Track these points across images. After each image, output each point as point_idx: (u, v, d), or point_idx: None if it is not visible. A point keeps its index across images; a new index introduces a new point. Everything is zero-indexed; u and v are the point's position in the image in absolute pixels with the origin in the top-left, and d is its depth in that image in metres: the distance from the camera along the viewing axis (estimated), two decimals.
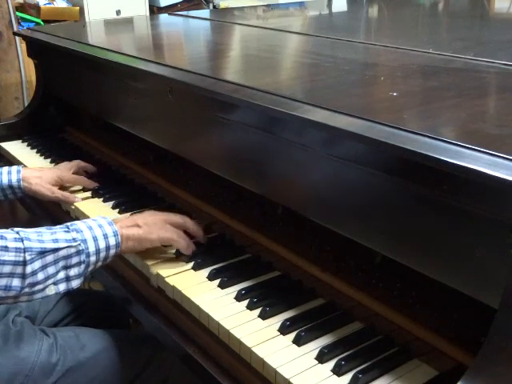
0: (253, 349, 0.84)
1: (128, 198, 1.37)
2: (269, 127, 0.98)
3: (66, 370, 1.14)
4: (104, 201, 1.36)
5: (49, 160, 1.63)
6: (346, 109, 0.86)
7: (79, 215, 1.31)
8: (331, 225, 0.92)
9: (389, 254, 0.84)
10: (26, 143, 1.77)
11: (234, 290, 0.99)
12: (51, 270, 0.93)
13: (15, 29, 2.44)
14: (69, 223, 1.00)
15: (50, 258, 0.92)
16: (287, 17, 2.38)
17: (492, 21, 2.18)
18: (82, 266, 0.97)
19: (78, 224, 1.00)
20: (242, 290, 0.98)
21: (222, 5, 3.25)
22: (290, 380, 0.79)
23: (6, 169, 1.34)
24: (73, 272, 0.96)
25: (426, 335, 0.87)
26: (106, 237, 1.00)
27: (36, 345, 1.14)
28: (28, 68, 2.48)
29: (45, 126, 1.86)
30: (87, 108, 1.73)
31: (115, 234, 1.02)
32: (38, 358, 1.12)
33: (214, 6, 3.26)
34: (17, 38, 2.43)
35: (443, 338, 0.85)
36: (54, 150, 1.69)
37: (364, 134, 0.79)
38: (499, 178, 0.65)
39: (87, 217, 1.26)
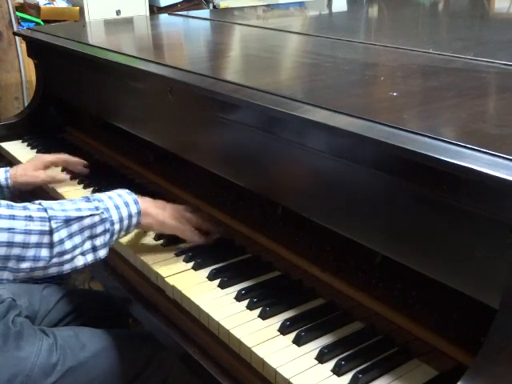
0: (253, 349, 0.84)
1: None
2: (269, 127, 0.98)
3: (66, 369, 1.14)
4: None
5: None
6: (346, 109, 0.86)
7: None
8: (331, 225, 0.92)
9: (389, 254, 0.84)
10: (26, 143, 1.77)
11: (233, 290, 0.99)
12: (77, 239, 0.93)
13: (15, 29, 2.44)
14: (88, 195, 1.01)
15: (75, 226, 0.93)
16: (287, 17, 2.39)
17: (492, 21, 2.18)
18: (107, 235, 0.98)
19: (98, 194, 1.02)
20: (242, 290, 0.98)
21: (222, 5, 3.25)
22: (290, 380, 0.79)
23: None
24: (99, 241, 0.97)
25: (426, 335, 0.87)
26: (127, 205, 1.02)
27: (36, 345, 1.14)
28: (28, 68, 2.48)
29: (45, 126, 1.86)
30: (87, 108, 1.73)
31: (136, 202, 1.03)
32: (38, 358, 1.12)
33: (214, 6, 3.26)
34: (17, 37, 2.43)
35: (443, 338, 0.85)
36: (54, 150, 1.68)
37: (364, 133, 0.79)
38: (499, 177, 0.65)
39: None
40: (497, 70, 1.15)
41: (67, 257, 0.92)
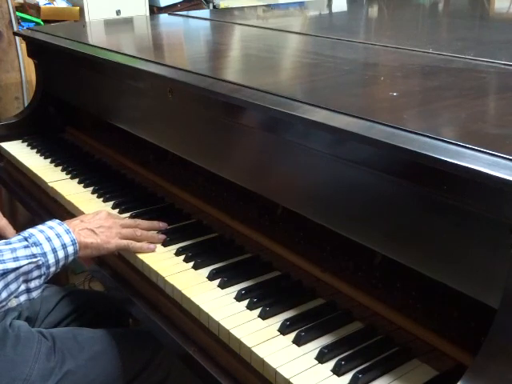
0: (253, 349, 0.85)
1: (128, 198, 1.37)
2: (269, 127, 0.98)
3: (65, 372, 1.13)
4: (104, 201, 1.36)
5: (49, 160, 1.63)
6: (345, 109, 0.86)
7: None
8: (331, 225, 0.92)
9: (389, 254, 0.84)
10: (26, 143, 1.77)
11: (233, 289, 0.99)
12: (13, 286, 0.94)
13: (15, 29, 2.44)
14: (26, 233, 1.00)
15: (11, 276, 0.93)
16: (287, 17, 2.38)
17: (492, 21, 2.18)
18: (43, 278, 0.98)
19: (36, 235, 0.99)
20: (242, 290, 0.98)
21: (222, 5, 3.24)
22: (290, 380, 0.79)
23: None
24: (33, 284, 0.97)
25: (426, 335, 0.87)
26: (64, 247, 1.01)
27: (34, 348, 1.13)
28: (28, 68, 2.47)
29: (45, 126, 1.86)
30: (87, 108, 1.73)
31: (73, 243, 1.03)
32: (36, 361, 1.11)
33: (214, 6, 3.26)
34: (17, 37, 2.43)
35: (443, 338, 0.85)
36: (53, 150, 1.69)
37: (364, 133, 0.79)
38: (499, 177, 0.65)
39: None
40: (497, 70, 1.15)
41: (2, 304, 0.93)
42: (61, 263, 1.01)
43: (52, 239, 1.00)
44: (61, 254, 1.01)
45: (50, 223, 1.05)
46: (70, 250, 1.02)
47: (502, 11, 2.41)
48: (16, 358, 1.11)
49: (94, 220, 1.11)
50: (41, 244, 0.99)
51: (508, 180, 0.64)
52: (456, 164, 0.68)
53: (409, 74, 1.14)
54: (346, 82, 1.11)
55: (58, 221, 1.06)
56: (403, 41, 1.43)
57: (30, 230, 1.01)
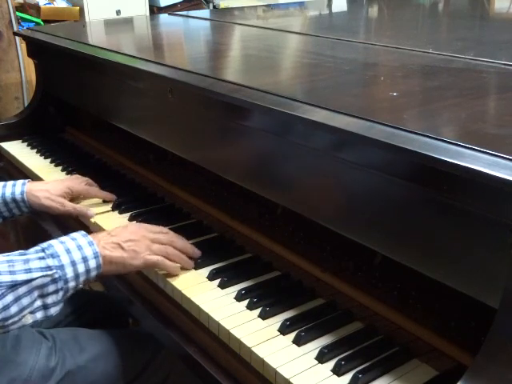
0: (253, 349, 0.84)
1: (128, 198, 1.37)
2: (269, 127, 0.98)
3: (65, 373, 1.13)
4: (104, 201, 1.36)
5: (49, 160, 1.63)
6: (345, 109, 0.86)
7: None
8: (331, 225, 0.92)
9: (389, 254, 0.84)
10: (26, 143, 1.77)
11: (234, 289, 0.99)
12: (26, 300, 0.87)
13: (15, 29, 2.44)
14: (45, 244, 0.93)
15: (23, 289, 0.86)
16: (287, 17, 2.38)
17: (492, 21, 2.18)
18: (60, 293, 0.91)
19: (54, 246, 0.93)
20: (242, 290, 0.98)
21: (222, 5, 3.25)
22: (290, 380, 0.79)
23: (11, 182, 1.28)
24: (50, 300, 0.90)
25: (426, 335, 0.87)
26: (85, 260, 0.94)
27: (34, 349, 1.13)
28: (28, 68, 2.48)
29: (45, 126, 1.86)
30: (87, 108, 1.73)
31: (96, 256, 0.95)
32: (37, 362, 1.11)
33: (214, 6, 3.26)
34: (17, 37, 2.43)
35: (443, 338, 0.85)
36: (53, 150, 1.69)
37: (364, 133, 0.79)
38: (499, 177, 0.65)
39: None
40: (497, 70, 1.15)
41: (13, 319, 0.86)
42: (81, 278, 0.93)
43: (72, 251, 0.93)
44: (81, 268, 0.93)
45: (73, 234, 0.97)
46: (92, 263, 0.94)
47: (502, 11, 2.41)
48: (16, 358, 1.11)
49: (123, 233, 1.02)
50: (58, 256, 0.91)
51: (508, 180, 0.64)
52: (456, 164, 0.68)
53: (409, 74, 1.14)
54: (346, 82, 1.11)
55: (82, 232, 0.99)
56: (403, 41, 1.43)
57: (51, 241, 0.94)
